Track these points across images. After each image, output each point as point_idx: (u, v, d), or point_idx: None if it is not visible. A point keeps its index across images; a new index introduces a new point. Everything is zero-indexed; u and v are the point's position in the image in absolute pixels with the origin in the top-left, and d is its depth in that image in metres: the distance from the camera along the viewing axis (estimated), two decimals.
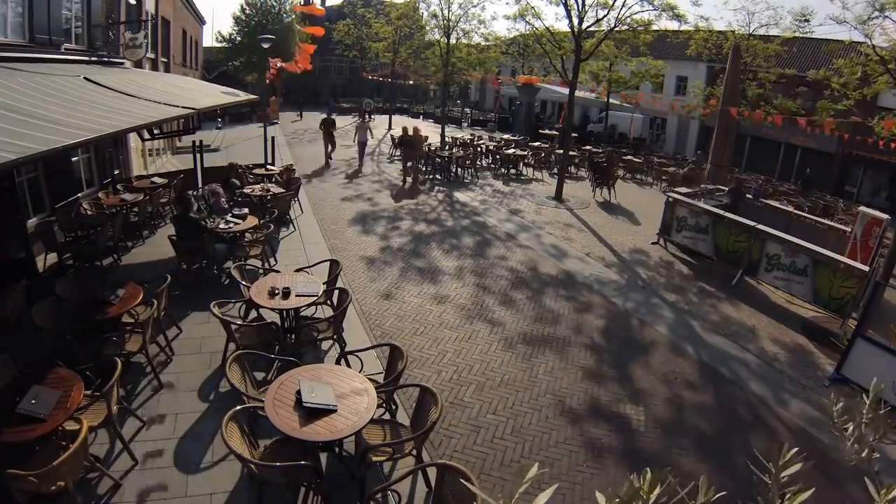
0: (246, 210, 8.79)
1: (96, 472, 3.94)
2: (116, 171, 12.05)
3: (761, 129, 21.66)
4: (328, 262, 6.92)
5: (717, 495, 1.21)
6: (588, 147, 21.60)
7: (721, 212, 9.84)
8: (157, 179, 11.14)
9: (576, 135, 22.58)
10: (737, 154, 18.06)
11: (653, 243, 11.14)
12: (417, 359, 6.04)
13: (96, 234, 7.66)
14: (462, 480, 3.09)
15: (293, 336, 5.60)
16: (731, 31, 21.48)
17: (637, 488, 1.20)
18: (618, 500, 1.19)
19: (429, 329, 6.77)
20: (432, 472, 3.82)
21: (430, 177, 16.34)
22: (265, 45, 15.98)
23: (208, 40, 35.90)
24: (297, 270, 6.47)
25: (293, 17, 39.19)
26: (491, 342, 6.56)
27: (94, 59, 10.28)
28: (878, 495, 1.08)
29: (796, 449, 1.18)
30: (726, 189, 11.89)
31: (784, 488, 1.14)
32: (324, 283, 6.01)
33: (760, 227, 9.02)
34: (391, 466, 4.25)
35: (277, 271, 6.70)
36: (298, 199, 11.55)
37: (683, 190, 11.85)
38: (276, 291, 5.45)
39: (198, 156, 12.18)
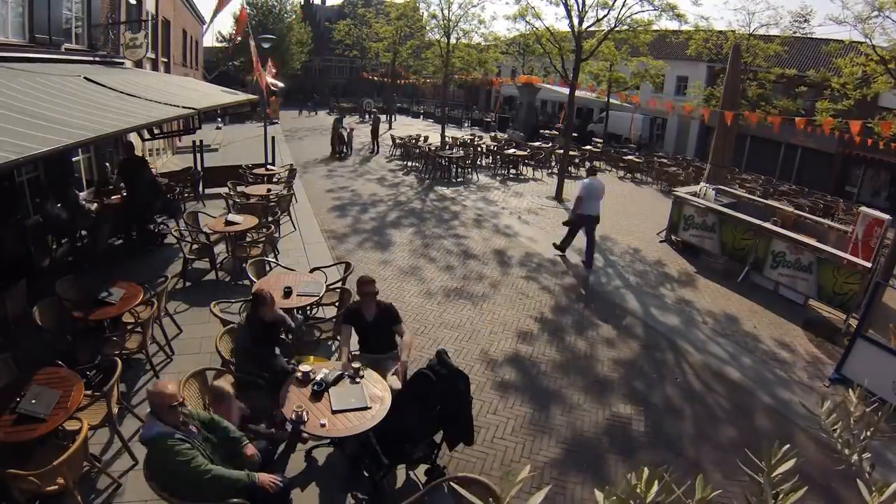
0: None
1: (96, 472, 3.95)
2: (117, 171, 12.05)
3: (762, 129, 21.64)
4: (343, 264, 7.00)
5: (714, 493, 1.21)
6: (588, 147, 21.59)
7: (729, 210, 9.97)
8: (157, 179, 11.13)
9: (576, 135, 22.55)
10: (737, 154, 18.03)
11: (661, 242, 11.28)
12: (416, 358, 6.03)
13: (96, 234, 7.66)
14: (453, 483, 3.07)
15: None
16: (731, 31, 21.45)
17: (634, 486, 1.20)
18: (615, 497, 1.19)
19: (429, 329, 6.79)
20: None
21: (431, 177, 16.37)
22: (265, 45, 15.96)
23: (208, 40, 35.95)
24: (313, 270, 6.53)
25: (293, 17, 39.17)
26: (491, 342, 6.56)
27: (94, 58, 10.29)
28: (870, 497, 1.08)
29: (787, 446, 1.18)
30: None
31: (776, 487, 1.14)
32: (326, 284, 6.00)
33: (766, 224, 9.12)
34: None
35: (292, 269, 6.69)
36: (294, 193, 11.55)
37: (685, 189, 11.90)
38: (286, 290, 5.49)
39: (198, 155, 12.21)
